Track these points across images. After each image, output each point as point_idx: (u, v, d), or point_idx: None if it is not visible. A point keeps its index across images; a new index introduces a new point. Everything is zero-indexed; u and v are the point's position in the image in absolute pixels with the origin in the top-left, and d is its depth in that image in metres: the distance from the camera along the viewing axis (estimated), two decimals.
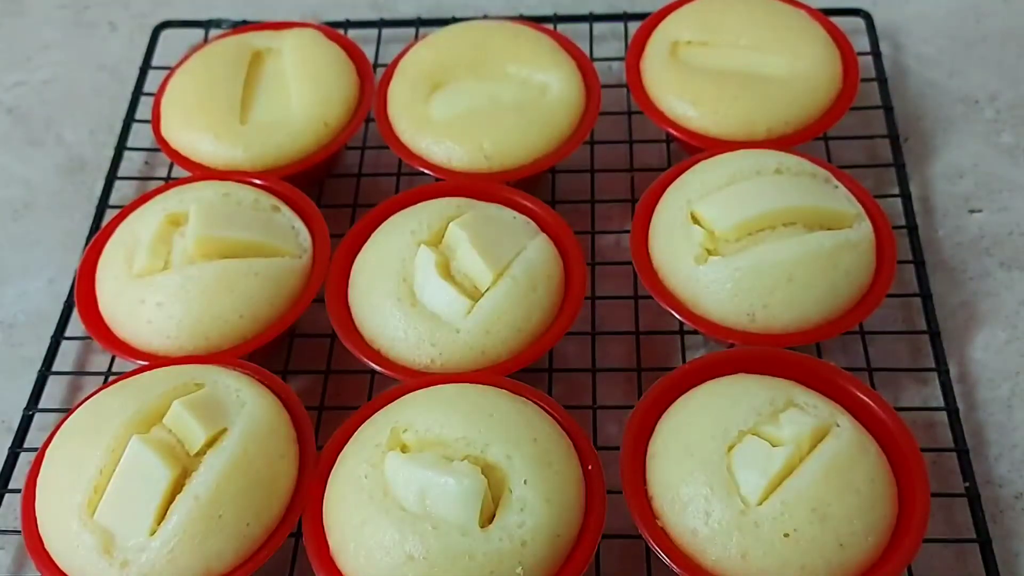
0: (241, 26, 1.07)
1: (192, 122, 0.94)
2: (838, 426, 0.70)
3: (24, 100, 1.12)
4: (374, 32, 1.12)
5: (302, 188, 0.91)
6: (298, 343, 0.88)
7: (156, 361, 0.79)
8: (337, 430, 0.74)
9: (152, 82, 1.07)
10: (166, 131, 0.96)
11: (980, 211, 0.95)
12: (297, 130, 0.93)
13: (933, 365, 0.83)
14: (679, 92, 0.92)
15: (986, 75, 1.06)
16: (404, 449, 0.70)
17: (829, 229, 0.80)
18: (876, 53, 1.04)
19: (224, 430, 0.71)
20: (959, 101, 1.04)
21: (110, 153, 1.03)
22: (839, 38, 0.97)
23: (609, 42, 1.11)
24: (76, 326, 0.88)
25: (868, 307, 0.79)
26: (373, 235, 0.85)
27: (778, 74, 0.92)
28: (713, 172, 0.84)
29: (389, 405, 0.74)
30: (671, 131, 0.92)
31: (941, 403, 0.81)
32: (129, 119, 1.05)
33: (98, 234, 0.89)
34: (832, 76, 0.93)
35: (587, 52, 1.04)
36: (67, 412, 0.77)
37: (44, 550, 0.70)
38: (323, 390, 0.85)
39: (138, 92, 1.07)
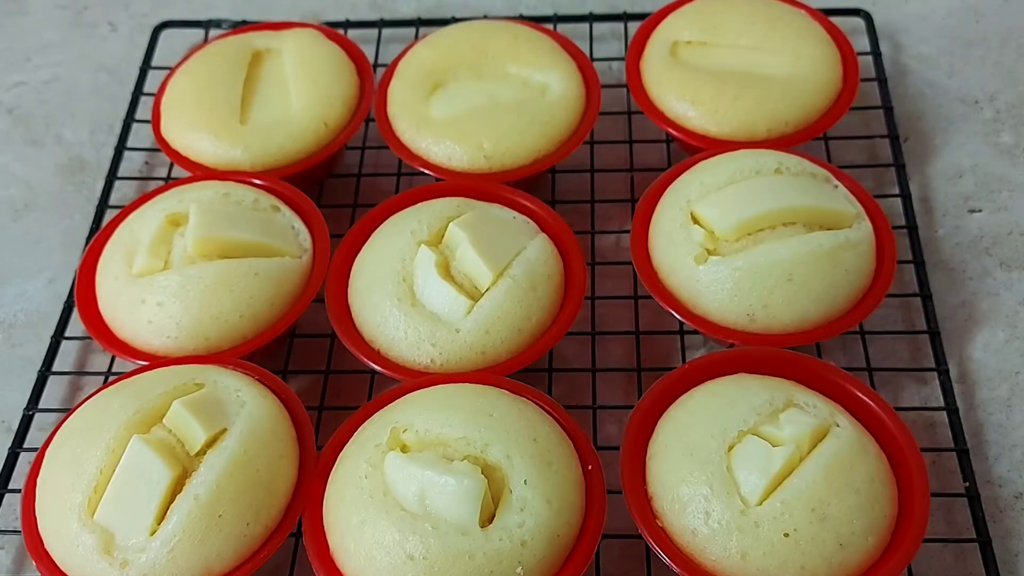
0: (241, 26, 1.07)
1: (192, 122, 0.93)
2: (838, 426, 0.70)
3: (24, 100, 1.12)
4: (374, 32, 1.11)
5: (302, 188, 0.90)
6: (298, 343, 0.88)
7: (156, 361, 0.79)
8: (337, 430, 0.74)
9: (152, 82, 1.07)
10: (166, 131, 0.96)
11: (980, 211, 0.95)
12: (297, 130, 0.93)
13: (933, 365, 0.83)
14: (679, 92, 0.92)
15: (985, 75, 1.06)
16: (404, 449, 0.70)
17: (829, 229, 0.80)
18: (876, 53, 1.04)
19: (224, 430, 0.71)
20: (959, 101, 1.04)
21: (110, 153, 1.03)
22: (839, 38, 0.97)
23: (609, 42, 1.11)
24: (76, 326, 0.88)
25: (868, 307, 0.79)
26: (373, 235, 0.85)
27: (778, 74, 0.92)
28: (713, 172, 0.84)
29: (389, 405, 0.74)
30: (671, 131, 0.92)
31: (941, 403, 0.81)
32: (129, 119, 1.05)
33: (98, 234, 0.88)
34: (832, 76, 0.93)
35: (587, 52, 1.04)
36: (67, 412, 0.76)
37: (44, 550, 0.70)
38: (323, 390, 0.85)
39: (138, 92, 1.07)
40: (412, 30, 1.11)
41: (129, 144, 1.04)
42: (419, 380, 0.75)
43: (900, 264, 0.85)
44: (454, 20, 1.07)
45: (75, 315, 0.88)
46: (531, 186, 0.92)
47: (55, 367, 0.87)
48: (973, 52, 1.08)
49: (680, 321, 0.80)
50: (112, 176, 1.01)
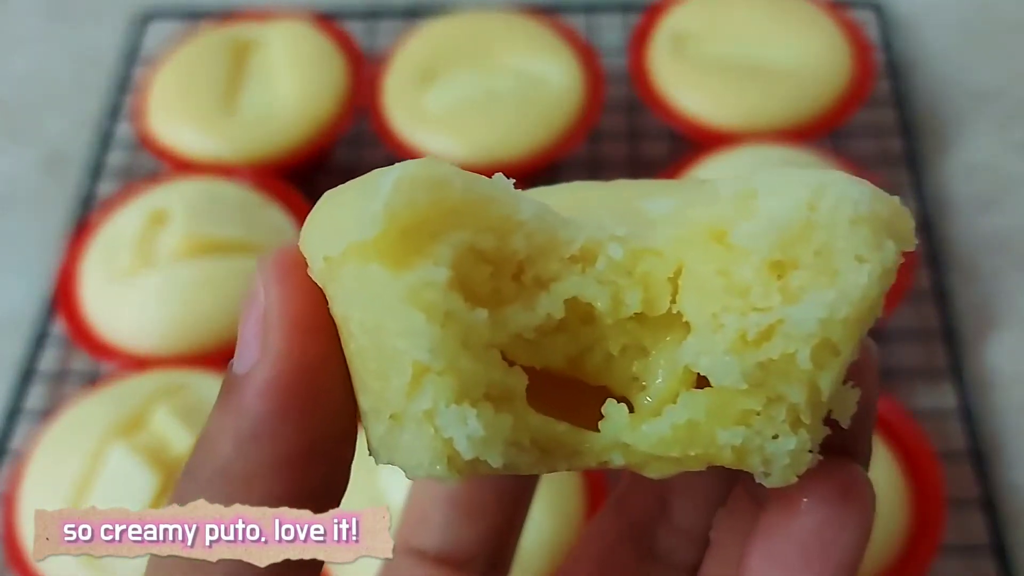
0: (229, 17, 1.04)
1: (177, 115, 0.91)
2: None
3: (5, 93, 1.09)
4: (367, 22, 1.09)
5: (292, 183, 0.88)
6: None
7: (140, 363, 0.76)
8: None
9: (137, 75, 1.04)
10: (151, 125, 0.93)
11: (994, 208, 0.93)
12: (286, 123, 0.90)
13: (946, 366, 0.80)
14: (683, 85, 0.90)
15: (998, 69, 1.03)
16: None
17: None
18: (887, 46, 1.02)
19: None
20: (971, 95, 1.01)
21: (93, 147, 1.00)
22: (850, 31, 0.94)
23: (610, 33, 1.08)
24: (59, 326, 0.85)
25: (883, 309, 0.76)
26: None
27: (786, 67, 0.90)
28: (717, 168, 0.81)
29: None
30: (674, 125, 0.90)
31: (954, 405, 0.79)
32: (113, 113, 1.02)
33: (80, 231, 0.86)
34: (842, 70, 0.90)
35: (589, 43, 1.01)
36: (49, 416, 0.74)
37: (24, 560, 0.67)
38: None
39: (122, 85, 1.04)
40: (406, 20, 1.08)
41: (112, 138, 1.01)
42: None
43: (913, 263, 0.84)
44: (450, 10, 1.04)
45: (58, 315, 0.86)
46: (531, 181, 0.90)
47: (37, 368, 0.84)
48: (985, 45, 1.06)
49: None
50: (95, 171, 0.98)
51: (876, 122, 0.98)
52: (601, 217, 0.29)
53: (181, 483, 0.30)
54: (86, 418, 0.70)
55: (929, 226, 0.88)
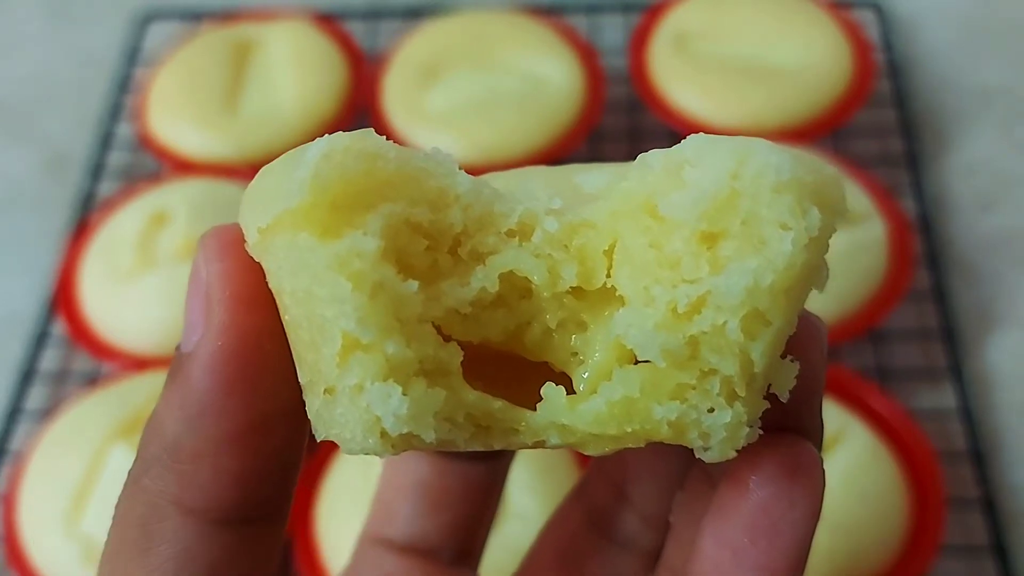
0: (230, 17, 1.04)
1: (179, 116, 0.91)
2: (850, 433, 0.68)
3: (5, 93, 1.09)
4: (368, 23, 1.09)
5: None
6: None
7: (141, 363, 0.76)
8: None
9: (138, 75, 1.04)
10: (152, 126, 0.93)
11: (995, 208, 0.93)
12: (287, 124, 0.90)
13: (946, 367, 0.80)
14: (684, 85, 0.90)
15: (999, 68, 1.03)
16: None
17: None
18: (888, 46, 1.01)
19: None
20: (972, 95, 1.01)
21: (95, 148, 1.00)
22: (851, 31, 0.94)
23: (612, 33, 1.08)
24: (60, 326, 0.85)
25: (883, 309, 0.76)
26: None
27: (787, 68, 0.90)
28: None
29: None
30: (675, 125, 0.90)
31: (954, 406, 0.78)
32: (114, 113, 1.02)
33: (82, 232, 0.86)
34: (843, 70, 0.90)
35: (590, 43, 1.01)
36: (49, 416, 0.74)
37: (24, 560, 0.67)
38: None
39: (123, 85, 1.04)
40: (408, 20, 1.08)
41: (114, 139, 1.01)
42: None
43: (913, 263, 0.83)
44: (450, 10, 1.04)
45: (58, 315, 0.86)
46: None
47: (38, 369, 0.84)
48: (986, 44, 1.06)
49: None
50: (97, 172, 0.98)
51: (877, 122, 0.98)
52: (539, 193, 0.29)
53: (132, 466, 0.29)
54: (86, 418, 0.70)
55: (929, 226, 0.88)
